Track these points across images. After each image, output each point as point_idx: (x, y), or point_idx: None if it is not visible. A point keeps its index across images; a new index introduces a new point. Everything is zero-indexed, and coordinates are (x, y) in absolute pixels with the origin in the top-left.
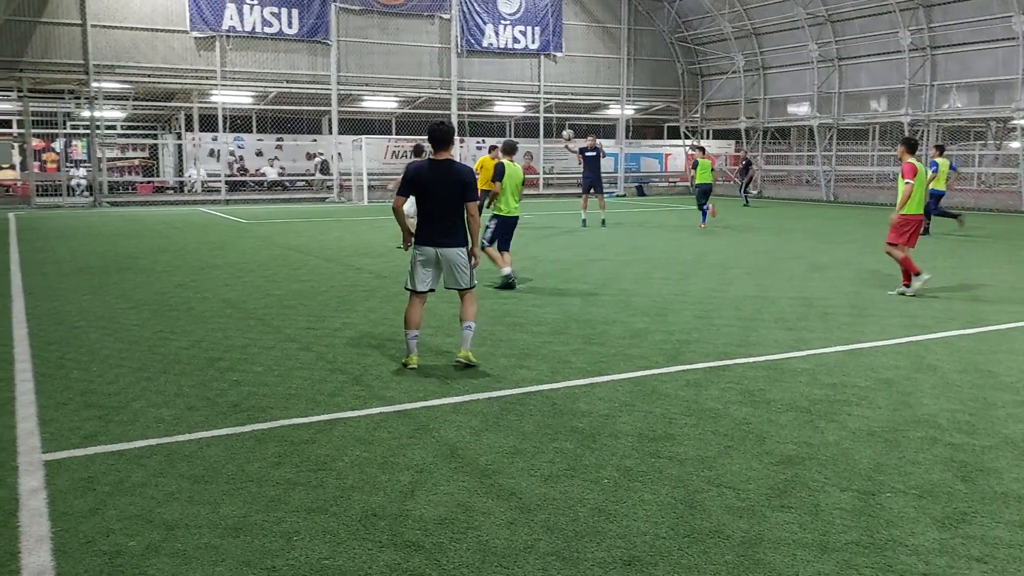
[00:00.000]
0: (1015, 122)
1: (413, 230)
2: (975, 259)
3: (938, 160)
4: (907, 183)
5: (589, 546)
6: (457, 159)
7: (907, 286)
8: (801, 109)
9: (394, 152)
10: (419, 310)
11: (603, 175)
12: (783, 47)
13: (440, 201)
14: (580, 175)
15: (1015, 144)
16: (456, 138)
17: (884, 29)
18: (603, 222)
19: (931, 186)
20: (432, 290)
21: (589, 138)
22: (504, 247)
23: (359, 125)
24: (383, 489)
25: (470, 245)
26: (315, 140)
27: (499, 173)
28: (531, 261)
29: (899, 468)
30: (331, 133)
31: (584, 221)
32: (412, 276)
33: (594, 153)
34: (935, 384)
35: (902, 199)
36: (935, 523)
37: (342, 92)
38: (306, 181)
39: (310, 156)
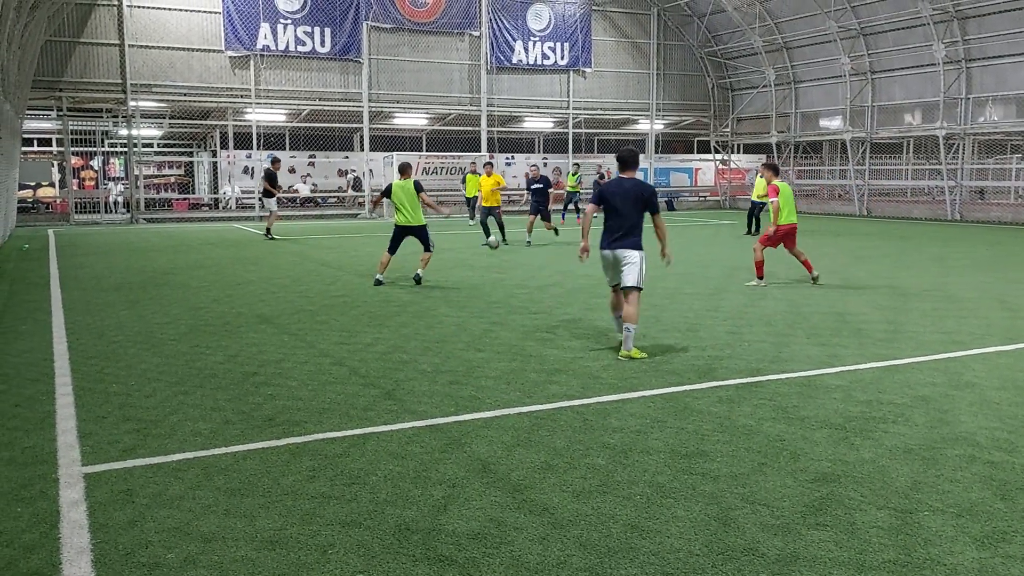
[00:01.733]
0: None
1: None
2: (1013, 274)
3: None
4: (772, 201)
5: (622, 563)
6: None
7: (760, 278)
8: (833, 123)
9: (424, 168)
10: (617, 298)
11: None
12: (815, 61)
13: (622, 211)
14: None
15: None
16: (486, 154)
17: (918, 42)
18: (556, 231)
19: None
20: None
21: (531, 168)
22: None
23: (390, 142)
24: (416, 503)
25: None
26: (347, 157)
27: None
28: (561, 276)
29: (937, 486)
30: (363, 150)
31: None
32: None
33: (540, 186)
34: (973, 401)
35: (773, 216)
36: (974, 542)
37: (373, 109)
38: (338, 197)
39: (342, 172)
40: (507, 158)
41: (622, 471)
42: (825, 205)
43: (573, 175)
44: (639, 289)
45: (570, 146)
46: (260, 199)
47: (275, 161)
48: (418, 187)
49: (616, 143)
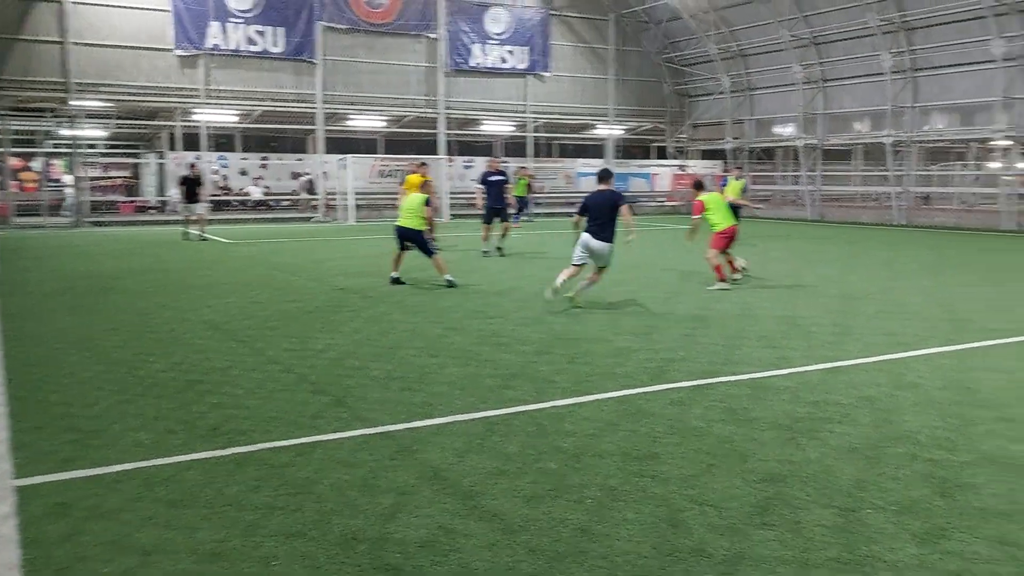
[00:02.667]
0: (994, 143)
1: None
2: (955, 278)
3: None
4: (695, 218)
5: (571, 567)
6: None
7: (723, 281)
8: (787, 130)
9: (381, 171)
10: (576, 271)
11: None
12: (769, 68)
13: (600, 215)
14: (567, 195)
15: (994, 165)
16: (445, 157)
17: (867, 52)
18: (499, 250)
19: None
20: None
21: (490, 160)
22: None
23: (345, 144)
24: (364, 512)
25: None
26: (300, 159)
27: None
28: (519, 280)
29: (879, 484)
30: (317, 152)
31: (486, 252)
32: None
33: (502, 178)
34: (916, 401)
35: (689, 230)
36: (914, 539)
37: (328, 111)
38: (291, 200)
39: (295, 175)
40: (466, 161)
41: (574, 475)
42: (778, 210)
43: (521, 180)
44: (607, 268)
45: (529, 150)
46: (185, 203)
47: (192, 166)
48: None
49: (575, 147)
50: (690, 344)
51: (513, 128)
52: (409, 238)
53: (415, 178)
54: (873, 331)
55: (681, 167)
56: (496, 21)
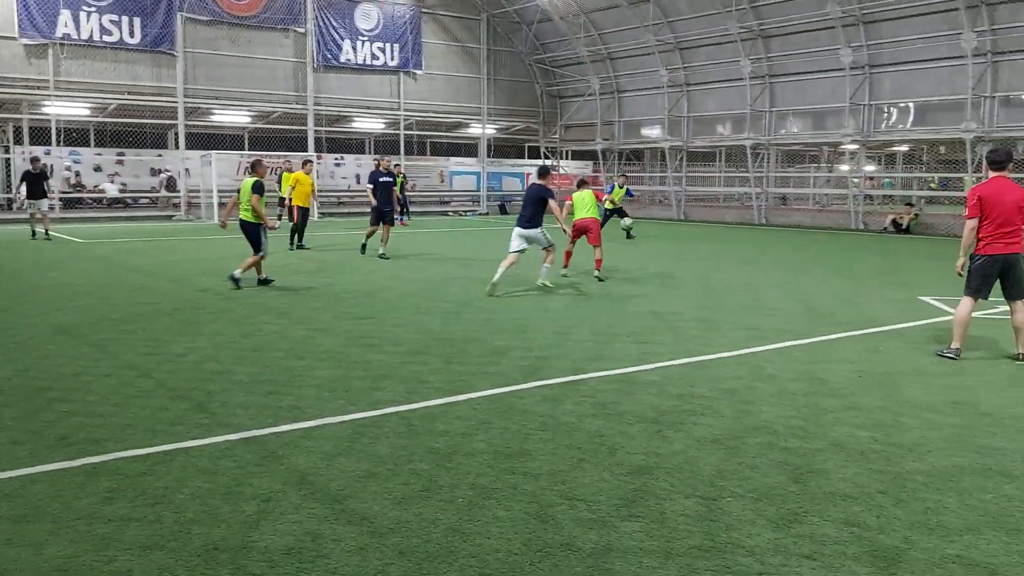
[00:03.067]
0: (844, 146)
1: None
2: (811, 274)
3: (615, 184)
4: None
5: (441, 567)
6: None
7: (565, 267)
8: (653, 132)
9: (247, 168)
10: (514, 259)
11: (465, 193)
12: (636, 72)
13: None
14: (442, 193)
15: (845, 167)
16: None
17: (727, 57)
18: (383, 256)
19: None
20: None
21: (382, 160)
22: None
23: (209, 140)
24: (226, 521)
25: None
26: (160, 155)
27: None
28: (391, 280)
29: (739, 473)
30: (178, 148)
31: (381, 255)
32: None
33: (390, 179)
34: (773, 392)
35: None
36: (770, 524)
37: (189, 105)
38: (150, 198)
39: (155, 172)
40: (336, 158)
41: (445, 475)
42: (647, 210)
43: (399, 177)
44: (551, 245)
45: (402, 148)
46: (30, 200)
47: (35, 160)
48: (257, 188)
49: (448, 146)
50: (563, 341)
51: (385, 126)
52: (243, 231)
53: (303, 176)
54: (735, 326)
55: (554, 167)
56: (367, 17)
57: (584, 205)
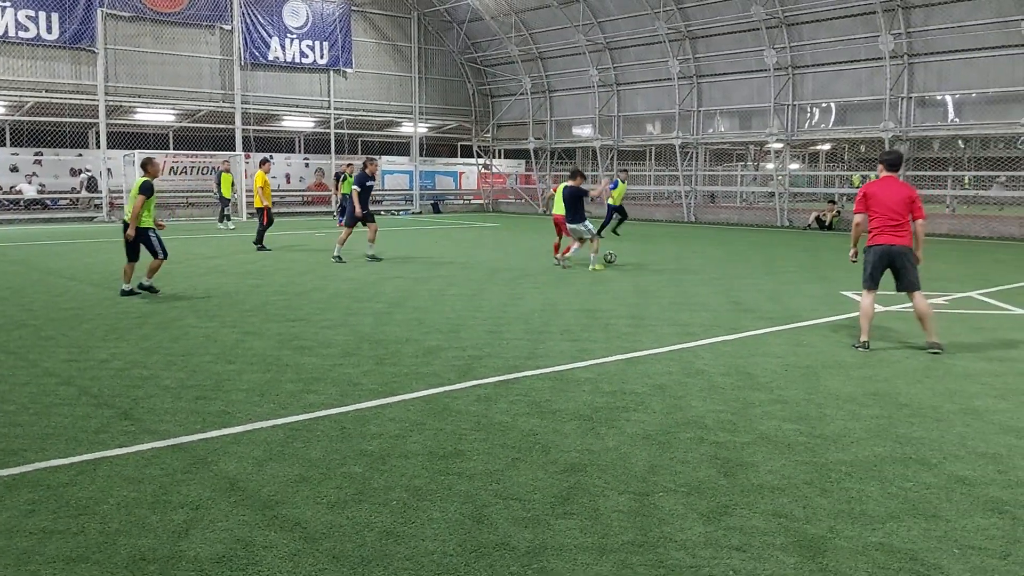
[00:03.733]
0: (770, 145)
1: None
2: (738, 271)
3: (619, 180)
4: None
5: (376, 571)
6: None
7: (567, 256)
8: (585, 131)
9: (172, 168)
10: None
11: (397, 192)
12: (567, 71)
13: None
14: (374, 192)
15: (770, 166)
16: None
17: (656, 58)
18: (373, 256)
19: (609, 201)
20: None
21: (371, 163)
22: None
23: (132, 139)
24: (154, 530)
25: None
26: (81, 155)
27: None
28: (323, 281)
29: (671, 468)
30: (99, 147)
31: (340, 257)
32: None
33: (372, 182)
34: (702, 387)
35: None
36: (701, 518)
37: (111, 103)
38: (71, 199)
39: (75, 172)
40: (265, 158)
41: (379, 477)
42: None
43: (347, 179)
44: (594, 237)
45: (332, 147)
46: None
47: None
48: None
49: (380, 144)
50: (496, 340)
51: (315, 124)
52: (137, 238)
53: (259, 175)
54: (665, 322)
55: (485, 166)
56: (295, 15)
57: (558, 201)
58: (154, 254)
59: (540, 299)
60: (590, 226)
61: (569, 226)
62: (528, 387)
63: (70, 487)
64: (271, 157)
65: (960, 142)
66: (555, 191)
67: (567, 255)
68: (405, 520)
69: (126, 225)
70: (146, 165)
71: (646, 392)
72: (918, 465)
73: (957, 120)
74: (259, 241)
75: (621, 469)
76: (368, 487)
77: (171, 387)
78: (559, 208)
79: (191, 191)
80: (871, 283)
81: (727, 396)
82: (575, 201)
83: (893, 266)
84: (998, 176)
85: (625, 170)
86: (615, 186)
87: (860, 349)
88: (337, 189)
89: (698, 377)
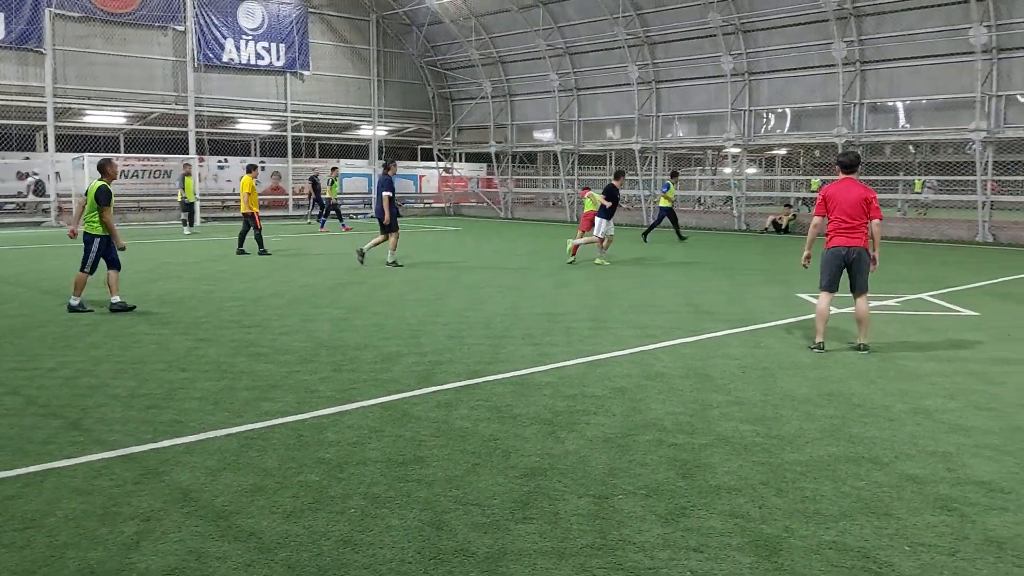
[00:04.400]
0: (727, 150)
1: None
2: (697, 274)
3: (669, 183)
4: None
5: None
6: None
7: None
8: (546, 135)
9: (123, 172)
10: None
11: (356, 196)
12: (527, 76)
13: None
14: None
15: (727, 170)
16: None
17: (615, 63)
18: (395, 263)
19: (659, 203)
20: None
21: (392, 166)
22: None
23: (81, 141)
24: (103, 543)
25: None
26: (28, 158)
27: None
28: (279, 286)
29: (630, 471)
30: (47, 150)
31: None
32: None
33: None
34: (661, 389)
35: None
36: (659, 519)
37: (59, 105)
38: (17, 203)
39: (22, 176)
40: (219, 161)
41: (337, 486)
42: (540, 212)
43: (334, 183)
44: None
45: (289, 149)
46: None
47: None
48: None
49: (339, 148)
50: (456, 345)
51: (271, 127)
52: (84, 242)
53: (246, 180)
54: (626, 325)
55: (446, 169)
56: (250, 16)
57: (593, 202)
58: (83, 264)
59: (502, 303)
60: (605, 226)
61: (597, 219)
62: (489, 392)
63: (16, 500)
64: (262, 165)
65: (910, 147)
66: (583, 196)
67: (595, 253)
68: (363, 528)
69: (86, 236)
70: (105, 167)
71: (606, 395)
72: (870, 464)
73: (908, 126)
74: (261, 246)
75: (581, 473)
76: (325, 495)
77: (121, 396)
78: (589, 206)
79: (143, 195)
80: (831, 286)
81: (686, 398)
82: (608, 198)
83: (849, 267)
84: (927, 179)
85: (676, 173)
86: (667, 189)
87: (815, 350)
88: (316, 192)
89: (657, 379)
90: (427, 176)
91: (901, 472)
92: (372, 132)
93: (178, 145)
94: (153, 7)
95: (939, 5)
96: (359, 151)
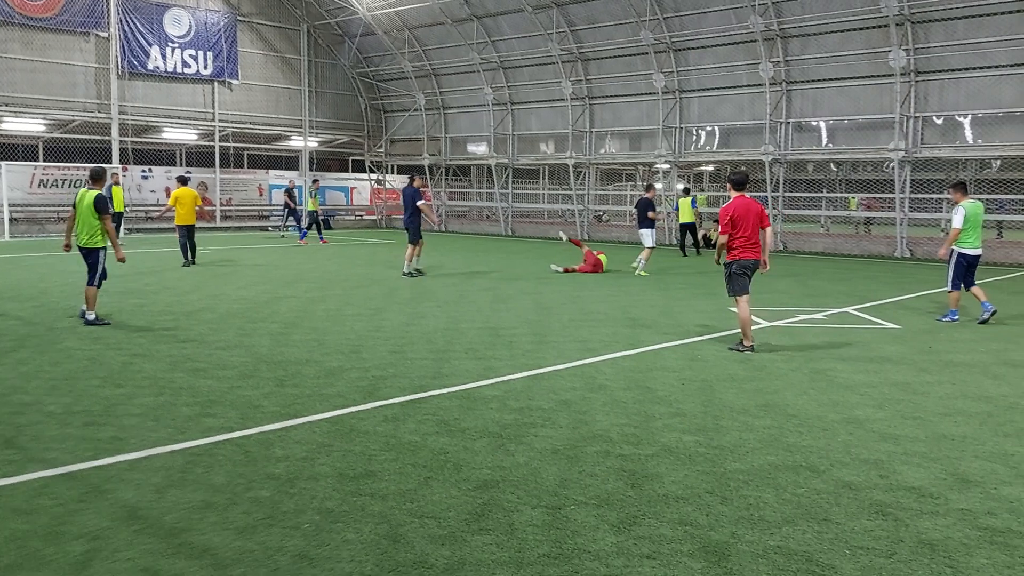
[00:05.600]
0: (658, 166)
1: None
2: (633, 288)
3: (681, 200)
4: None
5: None
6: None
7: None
8: (480, 148)
9: (43, 181)
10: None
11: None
12: (461, 89)
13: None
14: (261, 207)
15: (659, 185)
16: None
17: (549, 78)
18: (419, 271)
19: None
20: None
21: (416, 178)
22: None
23: None
24: (51, 563)
25: None
26: None
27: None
28: (212, 300)
29: (580, 481)
30: None
31: (417, 272)
32: None
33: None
34: (606, 402)
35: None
36: (612, 528)
37: None
38: None
39: None
40: (143, 170)
41: (289, 501)
42: (475, 225)
43: (314, 196)
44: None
45: (217, 159)
46: None
47: None
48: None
49: (268, 158)
50: (400, 360)
51: (198, 136)
52: (85, 257)
53: (186, 192)
54: (567, 339)
55: (378, 181)
56: (177, 23)
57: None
58: (93, 279)
59: (442, 318)
60: (647, 235)
61: (644, 231)
62: (436, 406)
63: None
64: (188, 175)
65: (833, 165)
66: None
67: (641, 264)
68: (319, 543)
69: (90, 251)
70: (102, 175)
71: (552, 408)
72: (808, 472)
73: (831, 144)
74: (191, 256)
75: (533, 484)
76: (278, 511)
77: (57, 413)
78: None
79: (63, 205)
80: (744, 290)
81: (629, 410)
82: (641, 210)
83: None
84: (860, 197)
85: (687, 189)
86: (695, 203)
87: (749, 352)
88: (292, 202)
89: (601, 392)
90: (358, 188)
91: (837, 479)
92: (303, 143)
93: (101, 154)
94: (75, 12)
95: (860, 29)
96: (289, 162)
